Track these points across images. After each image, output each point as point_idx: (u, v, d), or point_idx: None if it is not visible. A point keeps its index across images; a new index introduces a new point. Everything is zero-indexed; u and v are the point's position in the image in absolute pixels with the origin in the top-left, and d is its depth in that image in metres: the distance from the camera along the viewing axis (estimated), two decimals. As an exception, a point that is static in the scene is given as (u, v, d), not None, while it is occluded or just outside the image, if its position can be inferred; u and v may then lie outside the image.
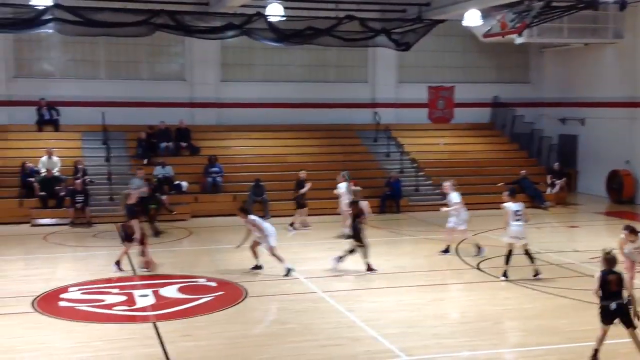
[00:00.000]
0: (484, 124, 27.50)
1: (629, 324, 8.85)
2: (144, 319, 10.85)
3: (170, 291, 12.41)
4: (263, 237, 13.52)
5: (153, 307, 11.44)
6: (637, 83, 23.55)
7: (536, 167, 25.20)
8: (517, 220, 13.23)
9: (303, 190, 18.99)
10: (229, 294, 12.32)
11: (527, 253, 13.30)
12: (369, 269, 13.87)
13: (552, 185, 23.43)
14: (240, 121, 24.90)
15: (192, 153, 23.11)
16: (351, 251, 13.96)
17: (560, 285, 12.84)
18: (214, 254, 16.00)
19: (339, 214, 18.16)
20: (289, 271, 13.47)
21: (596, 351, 8.94)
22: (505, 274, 13.23)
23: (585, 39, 24.66)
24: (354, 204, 14.35)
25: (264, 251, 13.76)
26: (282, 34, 20.33)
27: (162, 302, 11.76)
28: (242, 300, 11.93)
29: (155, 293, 12.25)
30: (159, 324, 10.55)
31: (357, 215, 14.04)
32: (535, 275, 13.18)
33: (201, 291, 12.50)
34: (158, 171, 21.12)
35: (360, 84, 26.57)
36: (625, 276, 11.53)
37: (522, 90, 27.80)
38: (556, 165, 24.44)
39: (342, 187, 18.00)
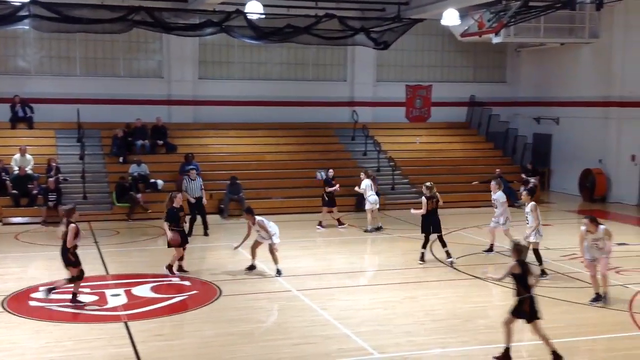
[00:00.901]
0: (461, 123, 27.68)
1: (535, 317, 8.91)
2: (116, 319, 10.78)
3: (143, 290, 12.32)
4: (268, 237, 13.34)
5: (125, 307, 11.35)
6: (611, 83, 23.84)
7: (511, 166, 25.41)
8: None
9: (331, 189, 18.84)
10: (203, 293, 12.28)
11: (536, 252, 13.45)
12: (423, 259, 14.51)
13: (526, 183, 23.58)
14: (218, 119, 24.83)
15: (168, 151, 22.99)
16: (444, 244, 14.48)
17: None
18: (189, 252, 15.89)
19: (318, 212, 18.27)
20: (279, 272, 13.37)
21: (508, 349, 8.97)
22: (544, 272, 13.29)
23: (561, 38, 24.90)
24: (430, 198, 14.42)
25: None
26: (261, 32, 20.29)
27: (134, 301, 11.69)
28: (216, 299, 11.90)
29: (128, 292, 12.17)
30: (130, 323, 10.50)
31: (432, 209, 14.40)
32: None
33: (174, 290, 12.45)
34: (134, 169, 21.00)
35: (338, 82, 26.62)
36: (598, 272, 11.58)
37: (498, 90, 28.03)
38: (529, 164, 24.67)
39: (366, 184, 18.10)
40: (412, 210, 14.81)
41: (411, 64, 27.38)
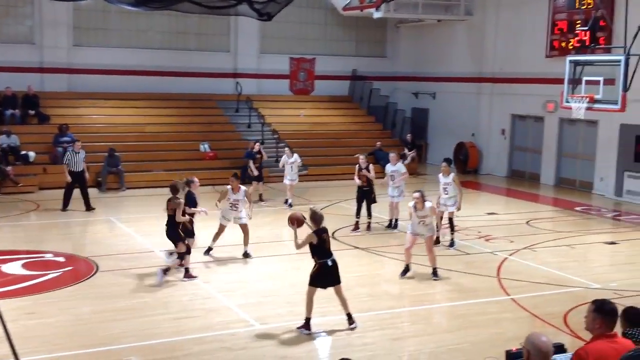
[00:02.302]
0: (343, 96, 28.09)
1: (337, 281, 9.31)
2: (-17, 298, 10.22)
3: (14, 267, 11.77)
4: (246, 210, 12.77)
5: (-7, 285, 10.80)
6: (483, 59, 24.97)
7: (390, 139, 26.15)
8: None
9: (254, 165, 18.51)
10: (79, 269, 11.89)
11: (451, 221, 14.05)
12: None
13: (404, 156, 24.36)
14: (94, 88, 23.81)
15: (40, 121, 21.89)
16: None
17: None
18: (64, 228, 15.30)
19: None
20: (247, 255, 12.95)
21: (309, 320, 9.24)
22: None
23: (438, 15, 25.72)
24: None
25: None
26: (139, -2, 19.52)
27: (3, 279, 11.11)
28: (92, 275, 11.53)
29: (-4, 270, 11.57)
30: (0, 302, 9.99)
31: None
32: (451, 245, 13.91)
33: (48, 267, 11.96)
34: (3, 140, 19.89)
35: (221, 53, 26.19)
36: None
37: (379, 64, 28.63)
38: (408, 136, 25.49)
39: (290, 159, 17.96)
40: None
41: (295, 37, 27.38)
